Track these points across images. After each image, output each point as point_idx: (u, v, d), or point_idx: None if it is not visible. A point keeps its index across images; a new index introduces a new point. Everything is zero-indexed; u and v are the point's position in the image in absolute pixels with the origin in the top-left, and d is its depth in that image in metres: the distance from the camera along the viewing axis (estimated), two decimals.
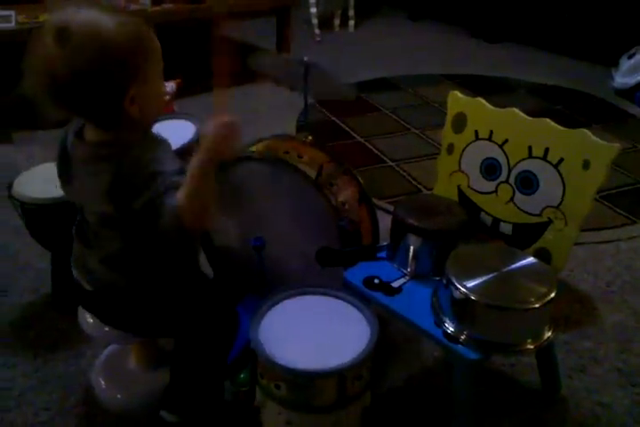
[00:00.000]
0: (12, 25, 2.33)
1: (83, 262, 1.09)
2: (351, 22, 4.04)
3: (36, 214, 1.42)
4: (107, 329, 1.16)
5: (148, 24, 0.97)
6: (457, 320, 1.09)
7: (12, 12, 2.41)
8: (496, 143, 1.32)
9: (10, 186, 1.44)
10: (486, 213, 1.36)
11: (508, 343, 1.08)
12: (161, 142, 1.03)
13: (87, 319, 1.21)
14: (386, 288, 1.22)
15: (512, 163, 1.30)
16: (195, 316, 1.12)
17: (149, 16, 2.57)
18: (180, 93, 2.30)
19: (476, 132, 1.35)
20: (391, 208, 1.96)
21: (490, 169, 1.34)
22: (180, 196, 0.88)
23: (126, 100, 0.93)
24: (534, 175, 1.26)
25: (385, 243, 1.33)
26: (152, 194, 0.90)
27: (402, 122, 2.72)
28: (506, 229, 1.33)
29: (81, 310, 1.21)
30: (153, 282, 1.08)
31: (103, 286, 1.08)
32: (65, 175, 1.05)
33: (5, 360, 1.39)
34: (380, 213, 1.48)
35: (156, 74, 0.99)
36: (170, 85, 2.34)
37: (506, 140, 1.30)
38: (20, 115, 2.41)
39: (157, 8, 2.64)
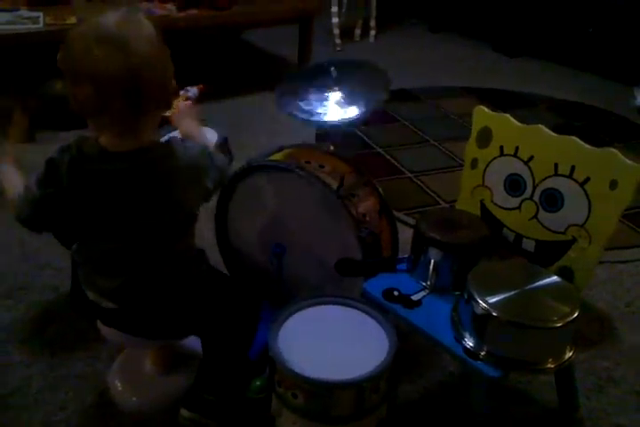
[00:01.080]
0: (41, 26, 2.36)
1: (101, 285, 1.09)
2: (372, 33, 4.05)
3: None
4: (125, 335, 1.17)
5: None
6: (477, 336, 1.08)
7: (40, 14, 2.44)
8: (521, 159, 1.31)
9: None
10: (509, 229, 1.36)
11: (529, 362, 1.07)
12: None
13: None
14: (405, 301, 1.21)
15: (537, 180, 1.29)
16: (216, 310, 1.14)
17: (175, 21, 2.60)
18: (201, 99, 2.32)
19: (502, 147, 1.35)
20: (410, 220, 1.97)
21: (514, 185, 1.34)
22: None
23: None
24: (559, 193, 1.26)
25: (405, 255, 1.33)
26: (218, 166, 1.08)
27: (421, 133, 2.72)
28: (528, 245, 1.32)
29: None
30: (175, 283, 1.10)
31: (127, 300, 1.09)
32: (102, 197, 1.01)
33: (23, 358, 1.40)
34: (398, 225, 1.48)
35: None
36: (192, 90, 2.36)
37: (531, 157, 1.30)
38: (44, 114, 2.44)
39: (182, 14, 2.66)
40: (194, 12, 2.70)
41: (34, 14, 2.44)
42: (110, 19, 0.92)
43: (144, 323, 1.13)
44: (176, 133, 1.39)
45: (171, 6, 2.68)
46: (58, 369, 1.36)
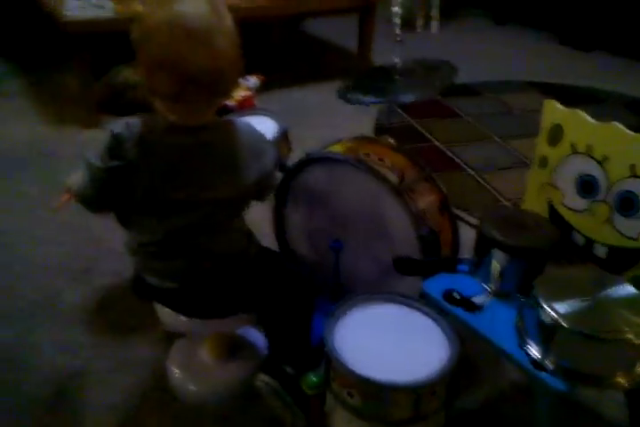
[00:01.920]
0: (109, 13, 2.40)
1: (161, 268, 1.11)
2: (434, 23, 3.97)
3: None
4: (183, 319, 1.18)
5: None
6: (544, 346, 1.04)
7: (109, 2, 2.48)
8: (595, 159, 1.25)
9: None
10: (579, 232, 1.30)
11: (598, 376, 1.02)
12: None
13: (164, 309, 1.22)
14: (467, 304, 1.17)
15: (612, 181, 1.23)
16: (272, 284, 1.16)
17: (242, 11, 2.59)
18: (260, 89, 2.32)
19: (573, 145, 1.29)
20: (472, 219, 1.92)
21: (586, 186, 1.27)
22: None
23: None
24: (636, 196, 1.19)
25: (466, 255, 1.29)
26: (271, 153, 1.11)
27: (483, 129, 2.65)
28: (600, 251, 1.26)
29: None
30: (234, 259, 1.13)
31: (189, 279, 1.10)
32: (171, 170, 1.02)
33: (87, 340, 1.44)
34: (458, 224, 1.44)
35: None
36: (252, 80, 2.36)
37: (606, 157, 1.23)
38: (110, 101, 2.50)
39: (250, 4, 2.66)
40: (261, 1, 2.69)
41: (102, 1, 2.48)
42: (192, 8, 0.92)
43: (204, 301, 1.14)
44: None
45: None
46: (119, 352, 1.40)
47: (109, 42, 2.42)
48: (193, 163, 1.03)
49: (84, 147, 1.19)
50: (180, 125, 1.01)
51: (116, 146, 1.00)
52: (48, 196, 1.91)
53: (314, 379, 1.18)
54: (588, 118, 1.27)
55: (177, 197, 1.04)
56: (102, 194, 1.06)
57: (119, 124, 1.00)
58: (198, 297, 1.13)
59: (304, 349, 1.23)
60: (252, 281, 1.15)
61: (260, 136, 1.11)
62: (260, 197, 1.17)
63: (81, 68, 2.39)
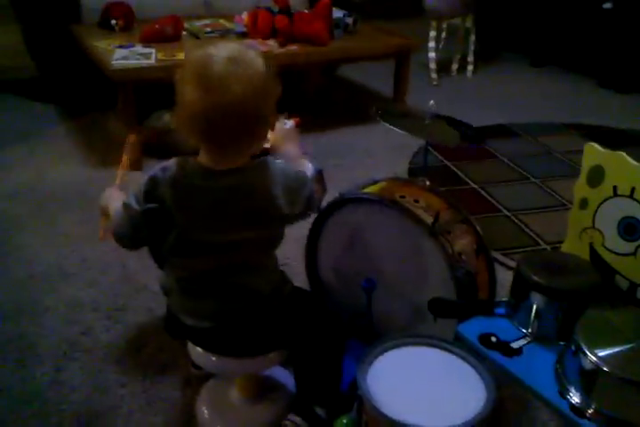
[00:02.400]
0: (153, 62, 2.51)
1: (196, 307, 1.12)
2: (470, 67, 4.01)
3: None
4: (214, 360, 1.18)
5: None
6: (584, 392, 0.99)
7: (153, 50, 2.61)
8: (638, 201, 1.22)
9: None
10: (623, 276, 1.26)
11: None
12: None
13: (196, 349, 1.22)
14: (504, 348, 1.14)
15: None
16: (304, 324, 1.16)
17: (276, 57, 2.69)
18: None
19: (615, 187, 1.26)
20: (508, 261, 1.88)
21: (629, 229, 1.24)
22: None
23: (269, 128, 1.04)
24: None
25: (504, 298, 1.25)
26: (307, 191, 1.10)
27: (520, 170, 2.62)
28: None
29: None
30: (267, 298, 1.13)
31: (224, 318, 1.11)
32: (204, 211, 1.05)
33: (117, 378, 1.44)
34: (495, 266, 1.41)
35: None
36: (289, 123, 2.41)
37: None
38: (153, 145, 2.58)
39: (283, 50, 2.75)
40: (294, 48, 2.78)
41: (147, 50, 2.61)
42: (217, 52, 0.98)
43: (235, 340, 1.14)
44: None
45: (272, 43, 2.79)
46: (149, 391, 1.40)
47: (152, 88, 2.53)
48: (228, 204, 1.04)
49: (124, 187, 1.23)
50: (213, 169, 1.04)
51: (151, 189, 1.04)
52: (88, 236, 1.99)
53: (345, 422, 1.15)
54: (631, 160, 1.26)
55: (206, 240, 1.07)
56: (137, 233, 1.09)
57: (156, 168, 1.05)
58: (230, 336, 1.13)
59: (334, 391, 1.20)
60: (284, 320, 1.15)
61: (291, 177, 1.09)
62: (297, 217, 1.15)
63: (125, 113, 2.49)
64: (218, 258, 1.08)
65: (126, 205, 1.07)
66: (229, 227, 1.06)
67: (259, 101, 0.99)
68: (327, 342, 1.19)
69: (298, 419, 1.13)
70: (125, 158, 1.35)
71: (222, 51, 0.98)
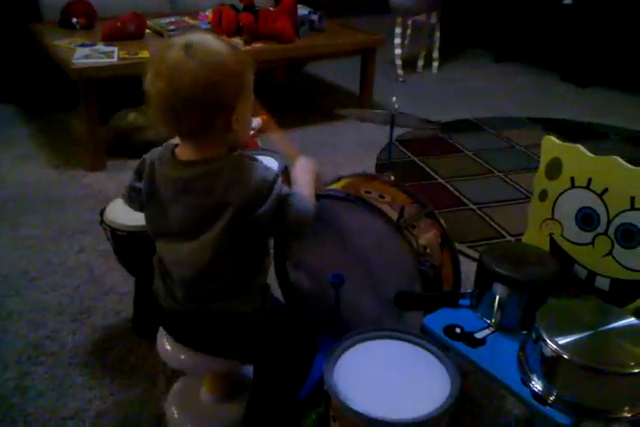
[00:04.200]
0: (115, 60, 2.47)
1: (176, 277, 1.10)
2: (435, 64, 4.05)
3: (126, 241, 1.46)
4: (182, 357, 1.17)
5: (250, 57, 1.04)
6: (546, 380, 1.02)
7: (115, 49, 2.57)
8: (594, 192, 1.25)
9: (102, 212, 1.49)
10: (581, 265, 1.29)
11: (602, 409, 0.99)
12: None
13: (165, 346, 1.21)
14: (468, 339, 1.16)
15: (612, 214, 1.22)
16: (273, 339, 1.14)
17: None
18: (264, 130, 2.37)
19: (573, 179, 1.29)
20: (473, 254, 1.91)
21: (586, 219, 1.27)
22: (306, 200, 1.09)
23: (233, 117, 1.00)
24: (636, 228, 1.18)
25: (468, 290, 1.27)
26: (277, 197, 1.01)
27: (485, 164, 2.66)
28: (602, 284, 1.25)
29: (160, 337, 1.22)
30: (239, 315, 1.10)
31: (195, 309, 1.10)
32: (161, 204, 1.07)
33: (85, 381, 1.42)
34: (460, 258, 1.43)
35: (249, 102, 1.05)
36: (256, 121, 2.41)
37: (605, 190, 1.23)
38: (116, 144, 2.55)
39: (248, 47, 2.74)
40: (259, 45, 2.77)
41: (109, 49, 2.57)
42: (178, 42, 0.97)
43: (208, 334, 1.13)
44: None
45: (238, 40, 2.77)
46: (117, 393, 1.38)
47: (115, 87, 2.50)
48: (184, 195, 1.03)
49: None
50: (180, 159, 1.04)
51: (138, 168, 1.11)
52: (51, 238, 1.96)
53: (314, 417, 1.16)
54: (587, 152, 1.28)
55: (169, 225, 1.07)
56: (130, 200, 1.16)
57: (152, 151, 1.11)
58: (201, 327, 1.12)
59: (287, 408, 1.19)
60: (257, 336, 1.14)
61: (262, 183, 1.01)
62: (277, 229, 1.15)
63: (88, 113, 2.45)
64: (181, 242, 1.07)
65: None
66: (186, 217, 1.04)
67: (215, 89, 0.96)
68: (291, 366, 1.17)
69: None
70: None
71: (183, 39, 0.97)
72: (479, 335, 1.16)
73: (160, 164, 1.06)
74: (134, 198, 1.14)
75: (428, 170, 2.60)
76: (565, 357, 0.97)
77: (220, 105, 0.99)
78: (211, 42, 0.99)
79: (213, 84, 0.96)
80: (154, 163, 1.07)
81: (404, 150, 2.78)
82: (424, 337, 1.14)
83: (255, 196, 1.00)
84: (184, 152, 1.05)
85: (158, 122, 1.00)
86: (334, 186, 1.45)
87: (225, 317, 1.10)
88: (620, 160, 1.22)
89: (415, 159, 2.70)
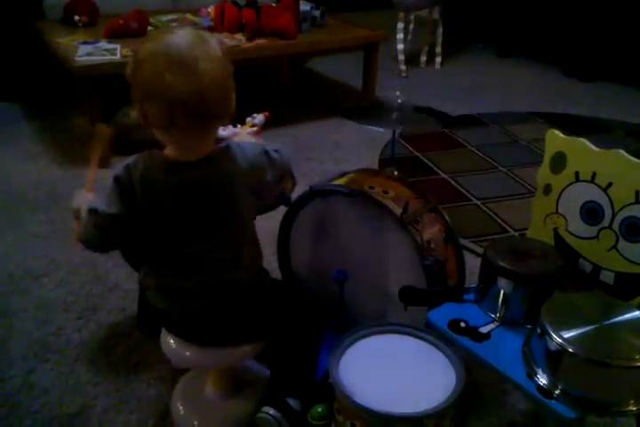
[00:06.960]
0: (118, 57, 2.48)
1: (173, 292, 1.12)
2: (438, 59, 4.04)
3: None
4: (187, 353, 1.17)
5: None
6: (551, 374, 1.02)
7: (118, 46, 2.57)
8: (599, 186, 1.25)
9: None
10: (586, 259, 1.28)
11: (608, 403, 0.99)
12: None
13: (169, 343, 1.21)
14: (473, 333, 1.16)
15: (616, 208, 1.22)
16: (281, 316, 1.19)
17: (244, 51, 2.67)
18: (266, 126, 2.37)
19: (577, 173, 1.29)
20: (477, 248, 1.91)
21: (591, 213, 1.27)
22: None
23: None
24: None
25: (472, 284, 1.27)
26: (278, 163, 1.15)
27: (488, 159, 2.66)
28: (607, 277, 1.24)
29: (164, 335, 1.22)
30: (243, 289, 1.14)
31: (196, 306, 1.12)
32: (175, 207, 1.05)
33: (90, 378, 1.43)
34: (464, 253, 1.43)
35: None
36: (259, 117, 2.41)
37: (610, 184, 1.23)
38: (120, 141, 2.55)
39: (250, 44, 2.74)
40: (262, 41, 2.77)
41: (112, 46, 2.57)
42: (180, 39, 0.96)
43: (211, 327, 1.15)
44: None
45: (240, 37, 2.77)
46: (123, 390, 1.38)
47: (118, 85, 2.50)
48: (196, 197, 1.05)
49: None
50: (179, 161, 1.03)
51: (120, 189, 1.03)
52: (56, 236, 1.96)
53: (319, 410, 1.16)
54: (591, 146, 1.28)
55: (183, 230, 1.07)
56: (105, 239, 1.07)
57: (119, 168, 1.03)
58: (205, 322, 1.14)
59: (308, 381, 1.21)
60: (262, 312, 1.17)
61: (257, 157, 1.11)
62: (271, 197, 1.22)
63: (91, 111, 2.46)
64: (194, 246, 1.08)
65: (91, 211, 1.04)
66: (200, 218, 1.06)
67: (226, 79, 1.00)
68: (304, 333, 1.20)
69: (272, 410, 1.13)
70: (95, 156, 1.31)
71: (177, 37, 0.97)
72: (484, 330, 1.16)
73: (154, 172, 1.03)
74: (110, 231, 1.05)
75: (432, 165, 2.59)
76: (570, 350, 0.97)
77: (230, 101, 1.02)
78: (209, 38, 1.00)
79: (228, 77, 1.00)
80: (145, 176, 1.02)
81: (407, 146, 2.77)
82: (429, 332, 1.15)
83: (259, 171, 1.10)
84: (182, 153, 1.04)
85: (157, 122, 0.98)
86: (338, 181, 1.45)
87: (228, 287, 1.12)
88: (625, 154, 1.22)
89: (418, 155, 2.69)
